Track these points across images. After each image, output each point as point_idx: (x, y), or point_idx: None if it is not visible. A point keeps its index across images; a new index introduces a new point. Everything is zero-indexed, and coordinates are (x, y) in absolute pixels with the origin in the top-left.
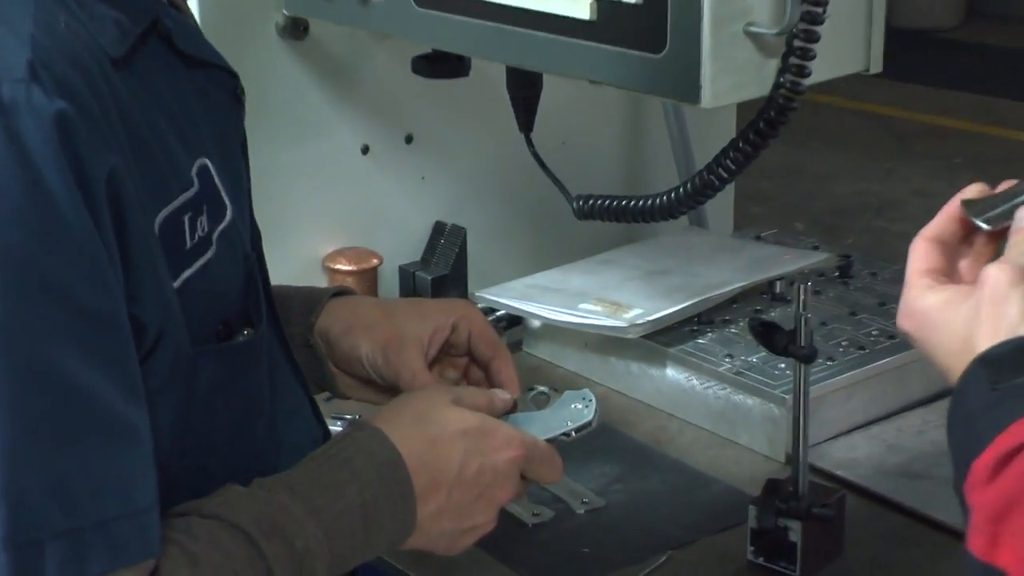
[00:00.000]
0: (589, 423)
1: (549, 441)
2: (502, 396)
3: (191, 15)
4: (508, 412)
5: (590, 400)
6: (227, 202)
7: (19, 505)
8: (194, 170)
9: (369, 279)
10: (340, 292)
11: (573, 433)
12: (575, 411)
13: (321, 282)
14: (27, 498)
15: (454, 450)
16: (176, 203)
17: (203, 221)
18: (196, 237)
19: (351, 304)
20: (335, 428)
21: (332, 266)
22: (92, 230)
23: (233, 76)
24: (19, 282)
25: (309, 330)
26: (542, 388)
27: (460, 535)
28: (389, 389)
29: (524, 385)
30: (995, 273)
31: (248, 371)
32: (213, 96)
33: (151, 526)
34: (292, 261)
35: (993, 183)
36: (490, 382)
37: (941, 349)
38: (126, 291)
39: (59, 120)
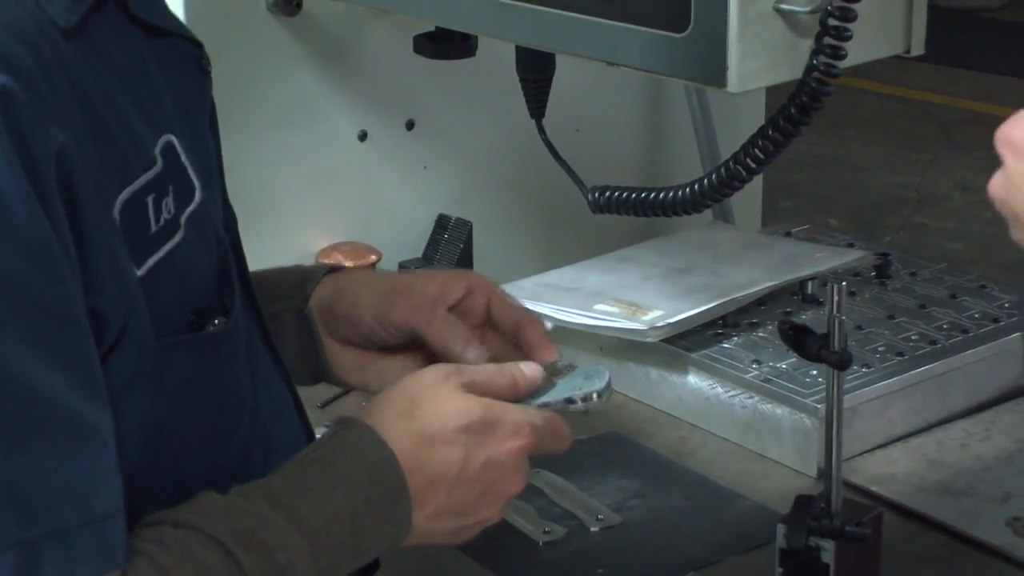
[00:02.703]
0: (592, 393)
1: (548, 407)
2: (529, 374)
3: None
4: None
5: (603, 374)
6: (196, 182)
7: None
8: (158, 148)
9: None
10: (334, 270)
11: (579, 402)
12: (586, 382)
13: None
14: None
15: (455, 447)
16: (138, 183)
17: (169, 203)
18: (162, 220)
19: (349, 272)
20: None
21: (327, 262)
22: (40, 215)
23: (197, 45)
24: None
25: (304, 300)
26: (568, 362)
27: (463, 530)
28: (390, 352)
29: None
30: None
31: (223, 363)
32: (176, 68)
33: (114, 535)
34: (284, 256)
35: None
36: (522, 348)
37: None
38: (84, 281)
39: (1, 96)
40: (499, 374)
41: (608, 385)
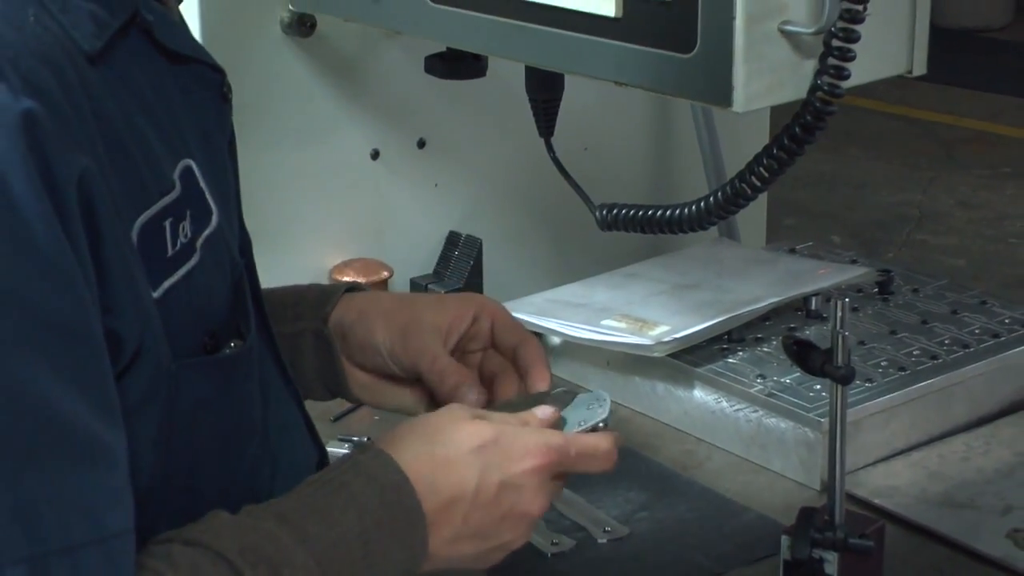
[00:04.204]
0: (599, 423)
1: None
2: (542, 415)
3: (175, 8)
4: None
5: (605, 400)
6: (213, 206)
7: None
8: (176, 172)
9: None
10: (353, 288)
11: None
12: (588, 412)
13: None
14: None
15: (469, 470)
16: (156, 207)
17: (186, 226)
18: (178, 244)
19: (367, 295)
20: (341, 450)
21: (340, 278)
22: (61, 237)
23: (219, 72)
24: None
25: (324, 321)
26: (564, 388)
27: (487, 554)
28: (404, 381)
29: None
30: None
31: (237, 386)
32: (198, 93)
33: (123, 553)
34: (297, 273)
35: None
36: (517, 370)
37: None
38: (101, 302)
39: (26, 120)
40: (511, 418)
41: (610, 412)
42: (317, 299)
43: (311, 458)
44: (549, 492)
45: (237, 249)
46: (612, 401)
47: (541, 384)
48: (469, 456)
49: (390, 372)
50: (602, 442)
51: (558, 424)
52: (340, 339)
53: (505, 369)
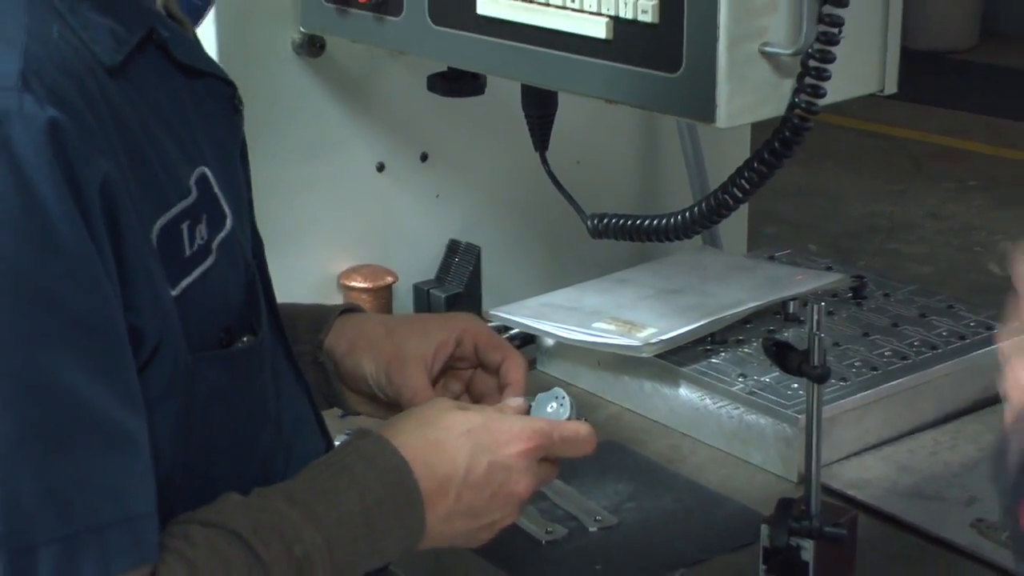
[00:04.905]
0: (568, 417)
1: None
2: (512, 404)
3: (190, 27)
4: None
5: (563, 398)
6: (227, 211)
7: (13, 511)
8: (192, 179)
9: (384, 297)
10: (348, 309)
11: None
12: (552, 412)
13: (336, 299)
14: (22, 504)
15: (460, 452)
16: (174, 211)
17: (202, 229)
18: (195, 245)
19: (356, 322)
20: None
21: (347, 283)
22: (85, 238)
23: (230, 85)
24: (12, 291)
25: (318, 348)
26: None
27: (477, 531)
28: (393, 404)
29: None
30: None
31: (250, 377)
32: (211, 105)
33: (147, 532)
34: (307, 278)
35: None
36: (499, 383)
37: None
38: (123, 300)
39: (51, 128)
40: (491, 408)
41: (573, 408)
42: (311, 325)
43: (320, 449)
44: (535, 474)
45: (250, 251)
46: (604, 399)
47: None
48: (460, 439)
49: (379, 398)
50: (582, 428)
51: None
52: (333, 365)
53: (493, 392)
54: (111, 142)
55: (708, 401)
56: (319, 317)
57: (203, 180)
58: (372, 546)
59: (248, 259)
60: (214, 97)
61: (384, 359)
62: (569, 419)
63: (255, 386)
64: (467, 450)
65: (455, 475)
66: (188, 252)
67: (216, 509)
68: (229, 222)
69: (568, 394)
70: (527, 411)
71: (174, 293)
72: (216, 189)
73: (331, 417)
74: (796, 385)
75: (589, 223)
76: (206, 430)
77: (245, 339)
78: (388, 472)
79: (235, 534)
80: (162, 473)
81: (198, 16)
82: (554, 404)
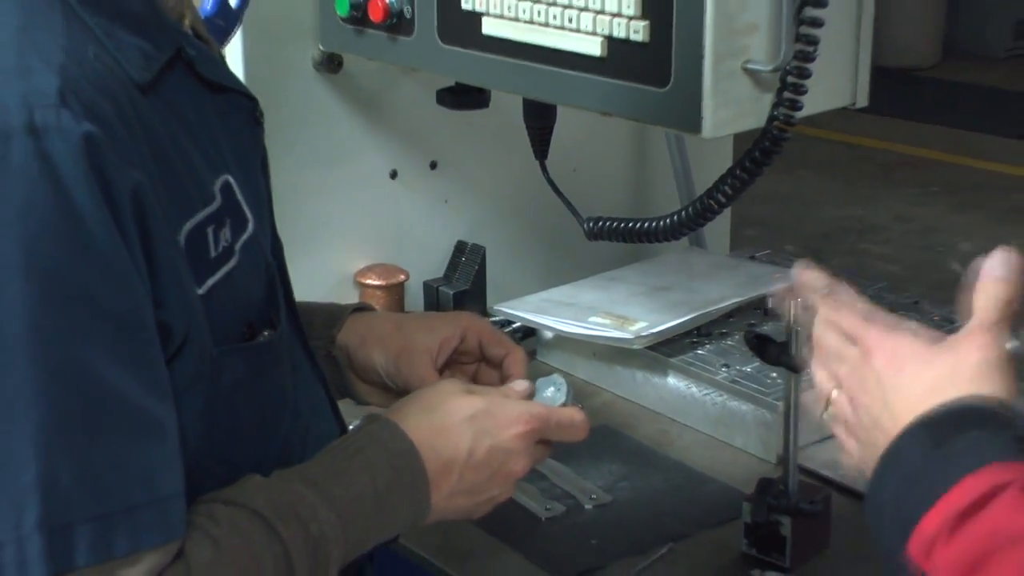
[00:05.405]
0: (564, 402)
1: None
2: (517, 388)
3: (215, 46)
4: None
5: (561, 384)
6: (249, 215)
7: (51, 493)
8: (217, 186)
9: (396, 293)
10: (360, 308)
11: None
12: (550, 396)
13: (352, 296)
14: (59, 486)
15: (463, 436)
16: (200, 216)
17: (226, 232)
18: (220, 247)
19: (368, 319)
20: None
21: (363, 281)
22: (119, 241)
23: (252, 100)
24: (52, 290)
25: (331, 342)
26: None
27: (477, 506)
28: (402, 393)
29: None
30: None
31: (270, 368)
32: (234, 118)
33: (175, 511)
34: (326, 276)
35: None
36: (502, 376)
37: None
38: (153, 298)
39: (87, 141)
40: (496, 390)
41: (570, 393)
42: (325, 321)
43: (335, 433)
44: (531, 454)
45: (270, 252)
46: (599, 388)
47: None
48: (463, 424)
49: (389, 388)
50: (576, 414)
51: (531, 398)
52: (346, 357)
53: (496, 384)
54: (142, 153)
55: (694, 389)
56: (333, 315)
57: (227, 187)
58: (381, 523)
59: (268, 259)
60: (237, 111)
61: (393, 351)
62: (566, 404)
63: (275, 376)
64: (470, 435)
65: (458, 458)
66: (213, 253)
67: (239, 490)
68: (251, 226)
69: (566, 380)
70: (532, 394)
71: (200, 291)
72: (239, 195)
73: (345, 404)
74: (775, 374)
75: (585, 225)
76: (230, 416)
77: (266, 333)
78: (397, 456)
79: (256, 513)
80: (189, 456)
81: (222, 36)
82: (552, 389)
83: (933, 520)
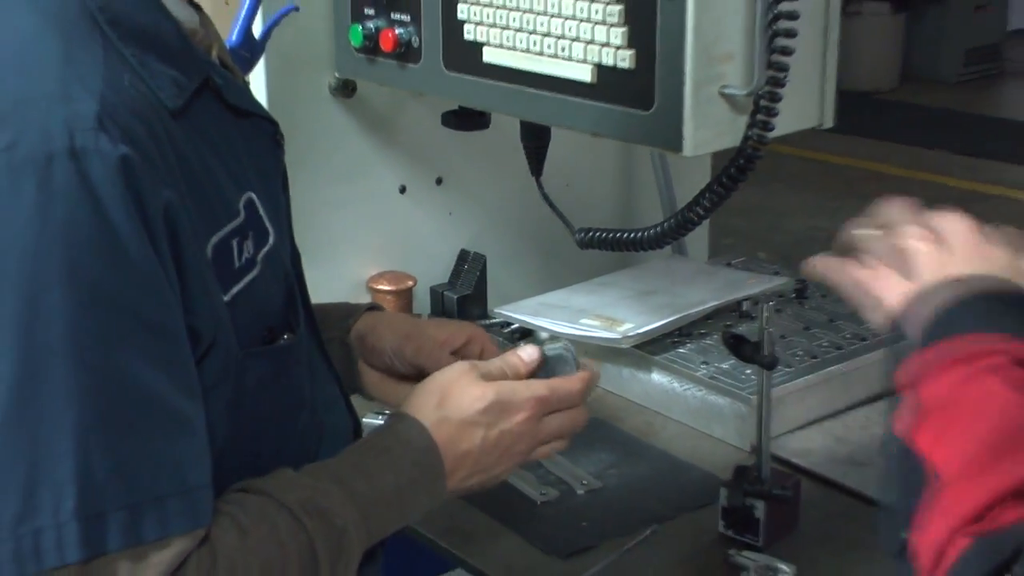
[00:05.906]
0: (563, 343)
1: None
2: (527, 357)
3: (240, 75)
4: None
5: (568, 349)
6: (270, 229)
7: (87, 483)
8: (241, 202)
9: (405, 297)
10: (374, 307)
11: (565, 352)
12: (554, 353)
13: (364, 300)
14: (94, 477)
15: (478, 428)
16: (225, 230)
17: (249, 245)
18: (243, 259)
19: (381, 313)
20: (375, 421)
21: (374, 286)
22: (151, 254)
23: (273, 124)
24: (91, 299)
25: (346, 332)
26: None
27: (484, 482)
28: (408, 379)
29: None
30: None
31: (290, 369)
32: (257, 141)
33: (202, 501)
34: (340, 282)
35: None
36: None
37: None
38: (182, 305)
39: (123, 163)
40: (505, 364)
41: (574, 358)
42: (343, 315)
43: (348, 426)
44: (535, 434)
45: (289, 262)
46: None
47: None
48: (477, 416)
49: (396, 370)
50: (576, 384)
51: (542, 365)
52: (358, 345)
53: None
54: (173, 174)
55: (676, 384)
56: (349, 310)
57: (250, 203)
58: (400, 514)
59: (288, 269)
60: (260, 134)
61: (402, 332)
62: (569, 365)
63: (294, 376)
64: (483, 426)
65: (474, 448)
66: (237, 264)
67: (269, 481)
68: (272, 238)
69: (572, 345)
70: (541, 361)
71: (226, 299)
72: (261, 211)
73: (358, 399)
74: (749, 371)
75: (577, 236)
76: (253, 413)
77: (285, 337)
78: (419, 453)
79: (283, 504)
80: (215, 449)
81: (247, 66)
82: (559, 347)
83: (930, 353)
